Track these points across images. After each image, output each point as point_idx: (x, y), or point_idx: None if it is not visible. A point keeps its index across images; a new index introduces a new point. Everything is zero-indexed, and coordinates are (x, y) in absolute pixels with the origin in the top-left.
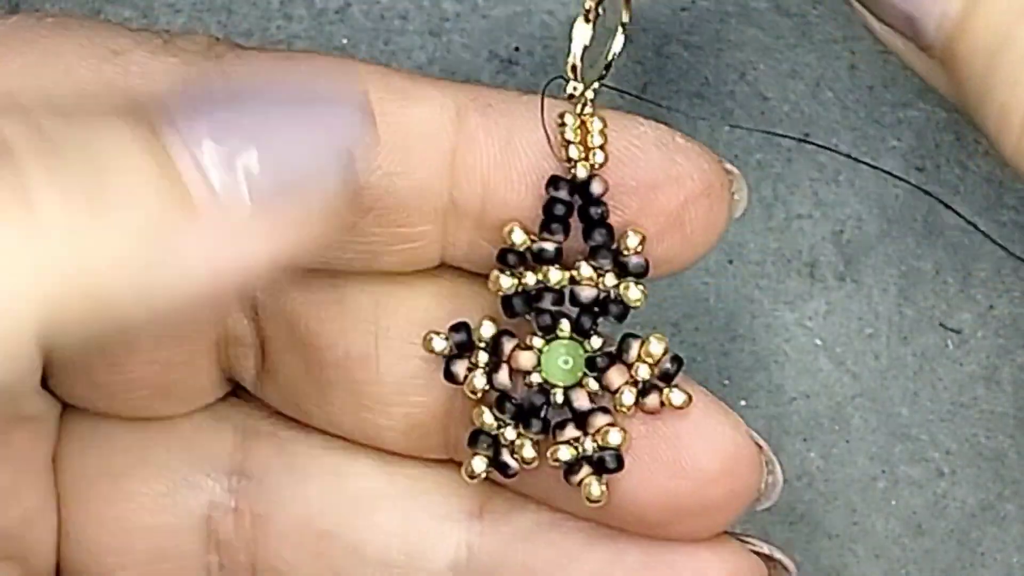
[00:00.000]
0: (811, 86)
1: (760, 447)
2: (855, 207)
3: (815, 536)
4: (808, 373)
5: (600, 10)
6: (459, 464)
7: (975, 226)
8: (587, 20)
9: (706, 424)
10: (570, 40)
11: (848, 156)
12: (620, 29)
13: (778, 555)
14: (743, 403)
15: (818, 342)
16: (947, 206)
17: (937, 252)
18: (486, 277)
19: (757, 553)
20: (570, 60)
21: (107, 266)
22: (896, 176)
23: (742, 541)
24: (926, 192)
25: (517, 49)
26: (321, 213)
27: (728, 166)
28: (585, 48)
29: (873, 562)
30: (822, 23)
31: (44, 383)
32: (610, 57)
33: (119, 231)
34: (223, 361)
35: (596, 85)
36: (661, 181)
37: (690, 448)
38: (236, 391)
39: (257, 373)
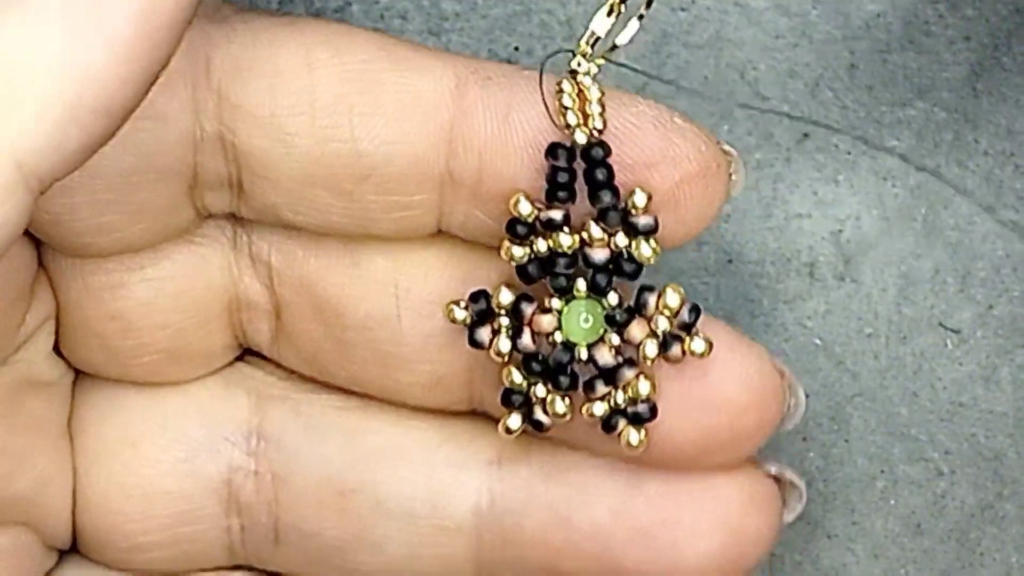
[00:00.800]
0: (811, 86)
1: (782, 373)
2: (854, 207)
3: (814, 536)
4: (807, 373)
5: (623, 7)
6: (482, 415)
7: (984, 217)
8: (609, 13)
9: (732, 358)
10: (585, 28)
11: (859, 139)
12: (637, 19)
13: (788, 475)
14: None
15: (817, 342)
16: (954, 191)
17: (936, 252)
18: (484, 246)
19: (767, 475)
20: (582, 45)
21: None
22: (903, 158)
23: (754, 464)
24: (933, 174)
25: (517, 49)
26: None
27: (726, 147)
28: (599, 39)
29: (872, 562)
30: (822, 23)
31: (56, 348)
32: (620, 42)
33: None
34: (235, 326)
35: (601, 61)
36: (657, 160)
37: (721, 383)
38: (244, 355)
39: (272, 337)
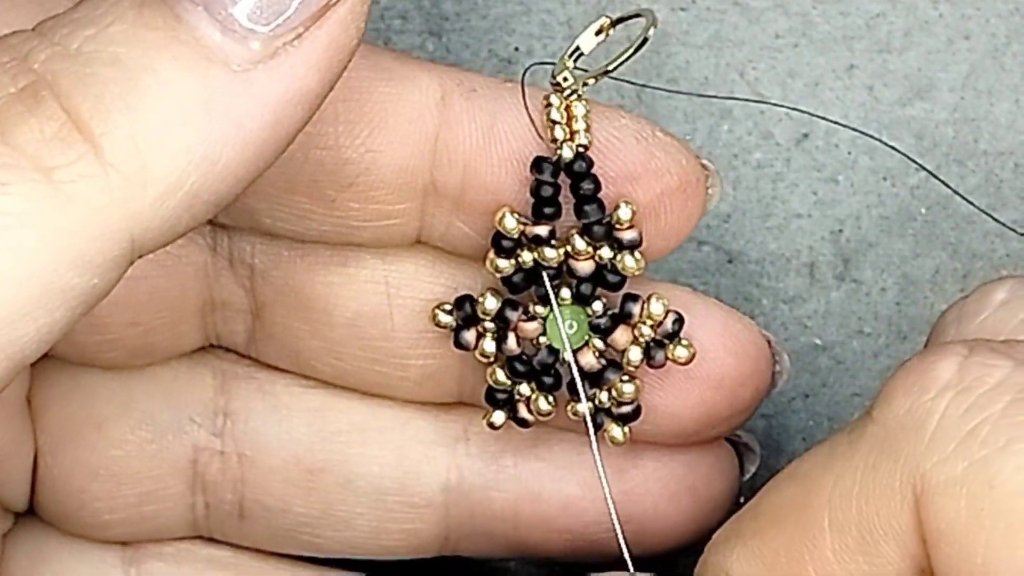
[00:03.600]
0: (811, 86)
1: (769, 341)
2: (854, 206)
3: None
4: (808, 373)
5: (611, 30)
6: (466, 404)
7: (993, 217)
8: (597, 34)
9: (728, 335)
10: (573, 41)
11: (859, 139)
12: (633, 47)
13: (744, 438)
14: None
15: (817, 341)
16: (963, 197)
17: (936, 252)
18: (464, 255)
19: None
20: (565, 59)
21: (177, 160)
22: (912, 160)
23: None
24: (938, 178)
25: (517, 49)
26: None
27: (705, 162)
28: (581, 55)
29: None
30: (822, 23)
31: None
32: (611, 67)
33: (171, 121)
34: (208, 326)
35: (592, 81)
36: (639, 174)
37: (719, 360)
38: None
39: (249, 336)
